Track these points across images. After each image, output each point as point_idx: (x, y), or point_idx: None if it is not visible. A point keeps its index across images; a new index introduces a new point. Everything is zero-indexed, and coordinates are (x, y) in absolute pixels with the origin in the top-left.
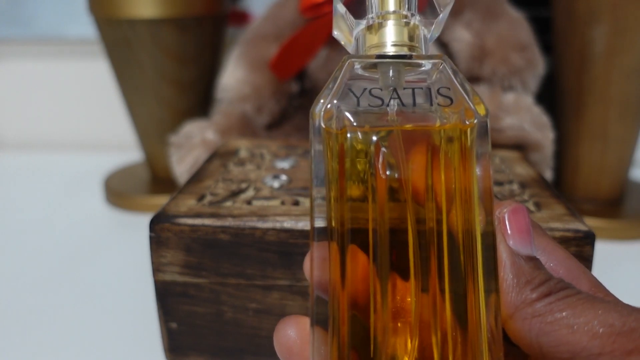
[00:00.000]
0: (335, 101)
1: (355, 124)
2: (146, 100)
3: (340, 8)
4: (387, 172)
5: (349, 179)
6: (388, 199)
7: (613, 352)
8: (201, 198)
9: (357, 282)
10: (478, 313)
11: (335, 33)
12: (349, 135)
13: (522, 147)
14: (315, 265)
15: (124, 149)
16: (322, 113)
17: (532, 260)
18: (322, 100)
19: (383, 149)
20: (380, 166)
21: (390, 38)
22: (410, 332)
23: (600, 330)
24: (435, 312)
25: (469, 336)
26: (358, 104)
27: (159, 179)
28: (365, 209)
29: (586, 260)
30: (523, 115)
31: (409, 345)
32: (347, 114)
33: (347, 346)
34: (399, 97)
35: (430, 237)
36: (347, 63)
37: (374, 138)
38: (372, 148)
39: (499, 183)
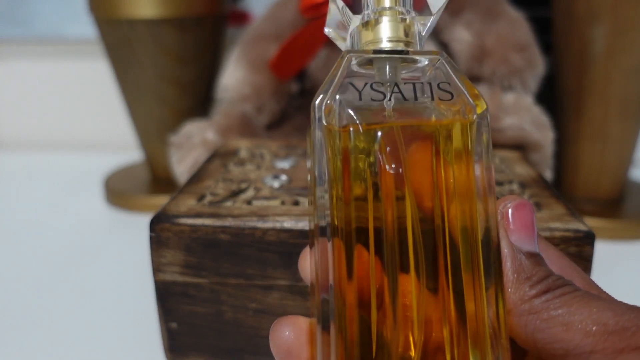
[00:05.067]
0: (337, 96)
1: (357, 121)
2: (146, 100)
3: (339, 2)
4: (388, 170)
5: (351, 176)
6: (393, 197)
7: (605, 350)
8: (201, 198)
9: (361, 281)
10: (482, 309)
11: (327, 30)
12: (352, 134)
13: (522, 147)
14: (320, 264)
15: (124, 149)
16: (323, 108)
17: (534, 256)
18: (322, 95)
19: (382, 146)
20: (386, 161)
21: (386, 34)
22: (414, 330)
23: (594, 329)
24: (444, 309)
25: (472, 332)
26: (360, 98)
27: (159, 179)
28: (365, 207)
29: (586, 260)
30: (523, 115)
31: (412, 343)
32: (350, 111)
33: (356, 345)
34: (400, 92)
35: (432, 234)
36: (346, 57)
37: (379, 134)
38: (376, 145)
39: (499, 183)
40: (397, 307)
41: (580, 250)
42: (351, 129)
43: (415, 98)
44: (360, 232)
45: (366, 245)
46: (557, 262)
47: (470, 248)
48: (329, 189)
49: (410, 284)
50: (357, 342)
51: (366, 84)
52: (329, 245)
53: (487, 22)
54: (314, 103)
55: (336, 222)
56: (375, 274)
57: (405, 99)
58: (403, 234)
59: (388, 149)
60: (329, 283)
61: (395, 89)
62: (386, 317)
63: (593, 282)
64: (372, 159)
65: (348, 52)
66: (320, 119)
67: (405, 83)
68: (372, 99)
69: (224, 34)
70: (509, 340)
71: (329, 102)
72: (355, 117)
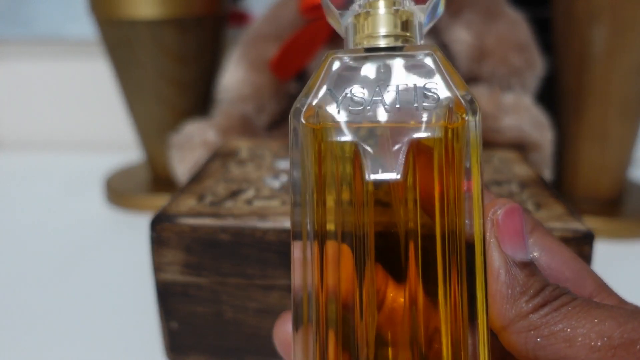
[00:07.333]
0: (315, 101)
1: (337, 121)
2: (146, 100)
3: (334, 10)
4: (369, 176)
5: (333, 181)
6: (375, 202)
7: None
8: (202, 198)
9: (347, 283)
10: (464, 317)
11: (336, 27)
12: (331, 138)
13: (521, 147)
14: (296, 266)
15: (124, 149)
16: (303, 112)
17: (527, 266)
18: (302, 100)
19: (366, 149)
20: (359, 169)
21: (378, 28)
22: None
23: (599, 344)
24: (418, 315)
25: (455, 340)
26: (338, 106)
27: (159, 178)
28: (351, 211)
29: (585, 260)
30: (522, 115)
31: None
32: (330, 114)
33: (326, 347)
34: (382, 97)
35: (415, 240)
36: (329, 60)
37: (350, 138)
38: (354, 149)
39: (498, 183)
40: (367, 312)
41: (579, 250)
42: (330, 133)
43: (398, 103)
44: (344, 236)
45: (356, 249)
46: (569, 264)
47: (454, 254)
48: (309, 193)
49: (397, 291)
50: (326, 344)
51: (345, 90)
52: (299, 245)
53: (486, 23)
54: (294, 108)
55: (316, 226)
56: (355, 277)
57: (386, 104)
58: (389, 240)
59: (365, 151)
60: (303, 284)
61: (378, 94)
62: (358, 321)
63: (605, 284)
64: (351, 163)
65: (332, 53)
66: (298, 119)
67: (388, 86)
68: (350, 107)
69: (224, 34)
70: (489, 351)
71: (313, 103)
72: (334, 117)
